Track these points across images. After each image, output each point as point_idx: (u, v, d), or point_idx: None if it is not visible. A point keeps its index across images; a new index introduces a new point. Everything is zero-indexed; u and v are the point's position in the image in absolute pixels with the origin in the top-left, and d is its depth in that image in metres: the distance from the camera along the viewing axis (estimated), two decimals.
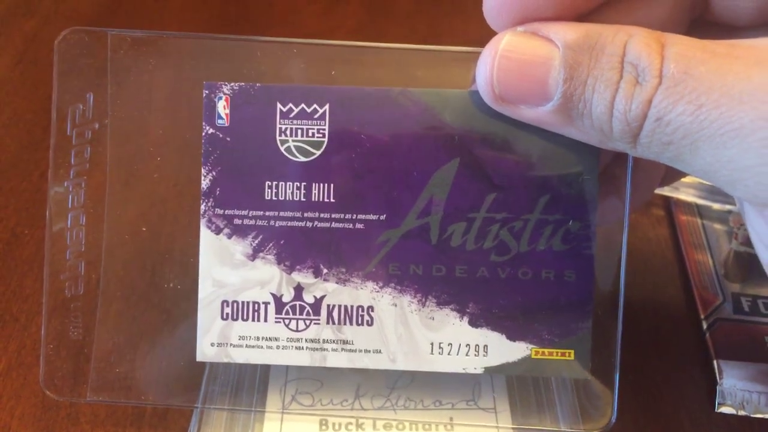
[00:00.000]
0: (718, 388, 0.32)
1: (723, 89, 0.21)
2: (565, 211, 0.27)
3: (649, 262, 0.38)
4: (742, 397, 0.32)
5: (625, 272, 0.27)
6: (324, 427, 0.29)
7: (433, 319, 0.28)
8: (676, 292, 0.37)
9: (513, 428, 0.29)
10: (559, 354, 0.28)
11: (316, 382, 0.31)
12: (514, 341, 0.28)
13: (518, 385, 0.31)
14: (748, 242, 0.37)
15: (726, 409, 0.32)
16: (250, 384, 0.30)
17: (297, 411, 0.30)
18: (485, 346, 0.28)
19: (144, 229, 0.30)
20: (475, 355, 0.28)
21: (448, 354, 0.28)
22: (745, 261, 0.37)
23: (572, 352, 0.28)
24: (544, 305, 0.28)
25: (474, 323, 0.28)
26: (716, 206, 0.40)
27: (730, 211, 0.39)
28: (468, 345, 0.28)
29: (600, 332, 0.28)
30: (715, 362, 0.33)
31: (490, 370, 0.28)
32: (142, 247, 0.30)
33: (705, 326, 0.34)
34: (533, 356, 0.28)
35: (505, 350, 0.28)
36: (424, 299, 0.28)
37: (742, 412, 0.31)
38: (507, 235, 0.27)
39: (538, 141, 0.27)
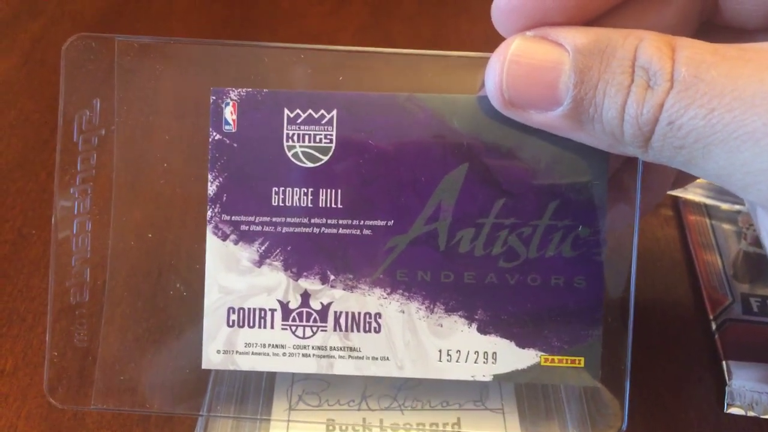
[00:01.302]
0: (727, 388, 0.32)
1: (735, 93, 0.20)
2: (575, 216, 0.27)
3: (658, 262, 0.38)
4: (752, 398, 0.31)
5: (634, 274, 0.27)
6: (331, 429, 0.29)
7: (442, 326, 0.28)
8: (684, 293, 0.36)
9: (521, 429, 0.29)
10: (569, 361, 0.28)
11: (322, 382, 0.30)
12: (524, 348, 0.28)
13: (526, 387, 0.30)
14: (757, 243, 0.37)
15: (735, 410, 0.31)
16: (257, 384, 0.30)
17: (304, 411, 0.30)
18: (494, 354, 0.28)
19: (150, 235, 0.30)
20: (484, 362, 0.28)
21: (457, 361, 0.28)
22: (755, 261, 0.37)
23: (582, 359, 0.28)
24: (553, 312, 0.28)
25: (483, 330, 0.28)
26: (725, 206, 0.39)
27: (738, 212, 0.39)
28: (477, 352, 0.28)
29: (610, 339, 0.27)
30: (724, 363, 0.33)
31: (499, 378, 0.28)
32: (148, 253, 0.30)
33: (714, 327, 0.34)
34: (542, 364, 0.28)
35: (514, 357, 0.28)
36: (432, 306, 0.28)
37: (751, 413, 0.31)
38: (516, 241, 0.27)
39: (547, 146, 0.26)
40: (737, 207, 0.39)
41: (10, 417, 0.31)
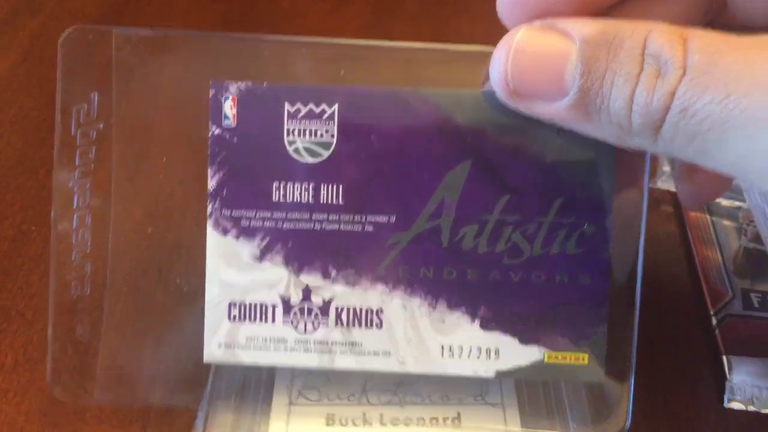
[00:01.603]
0: (727, 383, 0.32)
1: (752, 78, 0.20)
2: (580, 214, 0.27)
3: (659, 258, 0.38)
4: (752, 393, 0.31)
5: (641, 272, 0.27)
6: (331, 423, 0.29)
7: (444, 322, 0.28)
8: (685, 288, 0.36)
9: (521, 424, 0.29)
10: (573, 358, 0.28)
11: (322, 377, 0.30)
12: (527, 345, 0.28)
13: (527, 382, 0.30)
14: (757, 238, 0.37)
15: (735, 405, 0.31)
16: (257, 379, 0.30)
17: (304, 405, 0.30)
18: (497, 350, 0.28)
19: (150, 230, 0.29)
20: (487, 358, 0.28)
21: (459, 357, 0.28)
22: (755, 257, 0.37)
23: (586, 356, 0.27)
24: (557, 309, 0.27)
25: (485, 326, 0.28)
26: (725, 202, 0.39)
27: (739, 207, 0.39)
28: (479, 348, 0.28)
29: (614, 336, 0.27)
30: (724, 358, 0.33)
31: (501, 374, 0.28)
32: (149, 247, 0.30)
33: (714, 322, 0.34)
34: (546, 360, 0.28)
35: (517, 354, 0.28)
36: (434, 302, 0.28)
37: (751, 408, 0.31)
38: (520, 238, 0.27)
39: (553, 142, 0.26)
40: (737, 203, 0.39)
41: (10, 413, 0.31)
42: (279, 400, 0.30)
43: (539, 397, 0.30)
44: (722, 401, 0.32)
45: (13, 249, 0.37)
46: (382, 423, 0.29)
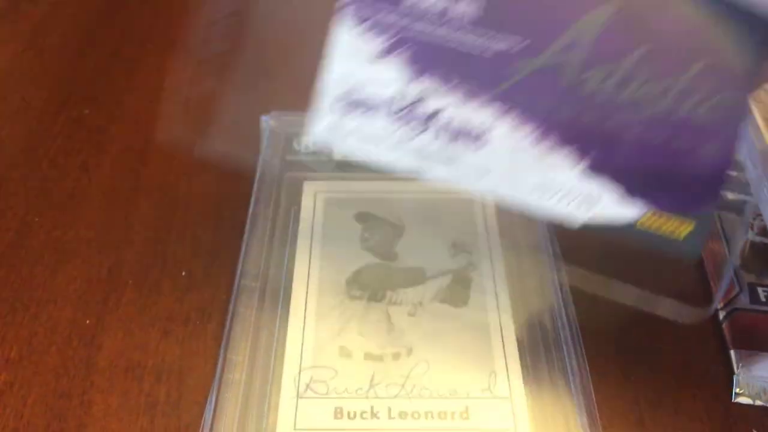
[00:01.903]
0: (735, 377, 0.32)
1: None
2: (720, 82, 0.25)
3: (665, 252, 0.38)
4: (760, 387, 0.31)
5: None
6: (339, 416, 0.29)
7: (548, 158, 0.26)
8: (692, 282, 0.36)
9: (529, 418, 0.29)
10: (675, 225, 0.26)
11: (330, 370, 0.30)
12: (628, 202, 0.26)
13: (534, 375, 0.30)
14: (764, 233, 0.37)
15: (743, 399, 0.31)
16: (264, 375, 0.30)
17: (311, 399, 0.29)
18: (594, 199, 0.26)
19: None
20: (581, 205, 0.26)
21: (552, 197, 0.26)
22: (762, 251, 0.37)
23: (691, 226, 0.25)
24: (672, 173, 0.25)
25: (589, 173, 0.26)
26: (732, 196, 0.39)
27: (746, 202, 0.39)
28: (577, 194, 0.26)
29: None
30: (732, 352, 0.33)
31: (592, 226, 0.26)
32: (285, 30, 0.32)
33: (722, 316, 0.34)
34: (643, 221, 0.26)
35: (615, 208, 0.26)
36: (544, 135, 0.26)
37: (759, 402, 0.31)
38: (649, 93, 0.25)
39: (710, 4, 0.24)
40: (744, 197, 0.39)
41: (16, 405, 0.30)
42: (287, 394, 0.30)
43: (547, 388, 0.30)
44: (730, 395, 0.32)
45: (17, 240, 0.37)
46: (390, 416, 0.29)
